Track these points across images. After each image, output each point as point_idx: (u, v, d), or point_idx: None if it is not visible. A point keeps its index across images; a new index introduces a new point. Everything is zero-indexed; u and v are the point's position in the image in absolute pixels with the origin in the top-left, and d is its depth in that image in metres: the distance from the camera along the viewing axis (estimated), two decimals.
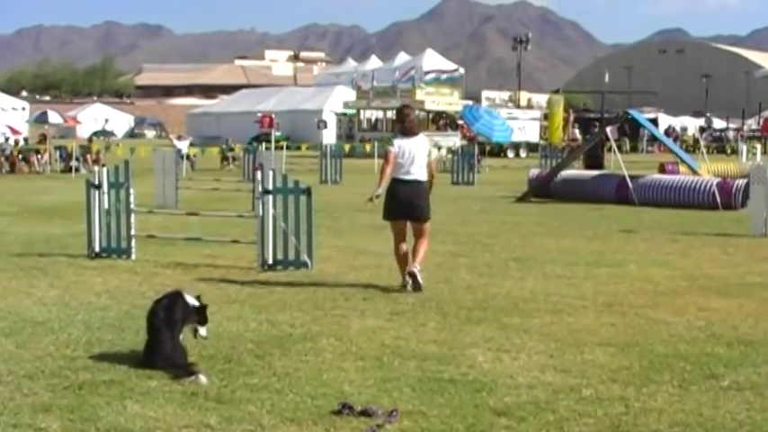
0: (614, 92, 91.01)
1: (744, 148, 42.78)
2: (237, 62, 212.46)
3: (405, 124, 9.96)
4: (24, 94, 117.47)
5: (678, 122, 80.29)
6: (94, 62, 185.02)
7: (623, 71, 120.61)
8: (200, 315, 6.84)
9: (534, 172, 24.42)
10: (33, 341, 7.25)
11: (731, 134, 68.15)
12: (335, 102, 67.76)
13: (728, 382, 6.27)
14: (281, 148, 34.88)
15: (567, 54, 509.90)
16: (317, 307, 8.69)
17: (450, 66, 70.62)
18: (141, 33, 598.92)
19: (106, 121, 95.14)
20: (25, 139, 44.68)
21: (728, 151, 55.78)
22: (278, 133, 43.97)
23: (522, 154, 55.80)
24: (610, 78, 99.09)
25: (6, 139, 39.27)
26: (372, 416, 5.39)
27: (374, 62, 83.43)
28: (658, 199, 20.52)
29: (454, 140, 48.00)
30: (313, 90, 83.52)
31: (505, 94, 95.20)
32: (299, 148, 40.47)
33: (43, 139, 39.72)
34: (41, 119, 39.69)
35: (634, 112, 30.55)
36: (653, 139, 55.17)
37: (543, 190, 22.40)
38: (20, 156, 34.70)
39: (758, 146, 43.31)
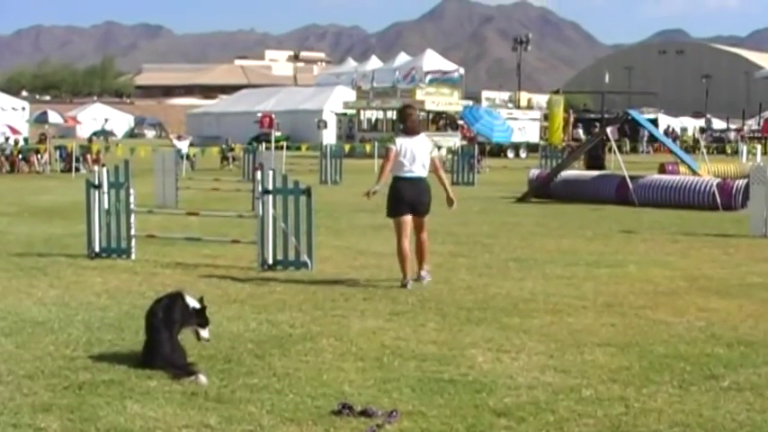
0: (614, 92, 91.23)
1: (744, 148, 42.79)
2: (237, 62, 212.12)
3: (407, 124, 10.09)
4: (24, 94, 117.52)
5: (678, 123, 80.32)
6: (94, 62, 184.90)
7: (623, 72, 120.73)
8: (200, 317, 6.82)
9: (534, 172, 24.41)
10: (33, 341, 7.25)
11: (732, 135, 68.21)
12: (335, 102, 67.80)
13: (728, 382, 6.27)
14: (281, 148, 34.87)
15: (567, 55, 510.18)
16: (317, 307, 8.69)
17: (451, 66, 70.64)
18: (141, 33, 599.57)
19: (106, 121, 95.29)
20: (25, 139, 44.71)
21: (729, 152, 55.81)
22: (278, 133, 44.00)
23: (522, 154, 55.82)
24: (610, 79, 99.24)
25: (6, 139, 39.33)
26: (372, 416, 5.39)
27: (374, 62, 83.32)
28: (658, 199, 20.52)
29: (454, 141, 48.03)
30: (313, 90, 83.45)
31: (505, 95, 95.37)
32: (298, 149, 40.48)
33: (43, 138, 39.71)
34: (41, 119, 39.68)
35: (634, 113, 30.55)
36: (652, 139, 55.20)
37: (543, 190, 22.41)
38: (20, 156, 34.74)
39: (758, 146, 43.30)
